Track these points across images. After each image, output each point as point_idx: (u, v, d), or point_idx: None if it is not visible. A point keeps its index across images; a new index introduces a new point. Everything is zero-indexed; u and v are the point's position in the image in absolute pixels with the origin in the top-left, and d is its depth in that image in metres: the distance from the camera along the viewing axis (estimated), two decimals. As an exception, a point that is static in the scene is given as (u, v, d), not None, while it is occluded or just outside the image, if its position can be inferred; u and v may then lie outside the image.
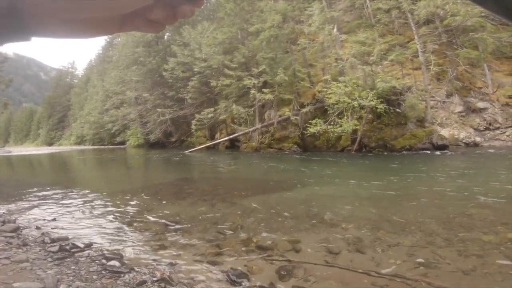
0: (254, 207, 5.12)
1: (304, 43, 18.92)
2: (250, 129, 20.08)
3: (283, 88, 18.53)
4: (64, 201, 6.01)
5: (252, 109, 20.13)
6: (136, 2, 0.30)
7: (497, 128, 15.27)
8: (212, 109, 22.54)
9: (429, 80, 16.71)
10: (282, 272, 2.67)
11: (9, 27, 0.28)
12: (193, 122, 23.44)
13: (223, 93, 22.57)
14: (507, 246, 3.12)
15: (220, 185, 8.24)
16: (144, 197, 6.28)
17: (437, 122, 15.68)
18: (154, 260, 3.02)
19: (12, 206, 5.61)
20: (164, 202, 5.84)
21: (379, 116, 14.50)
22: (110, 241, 3.66)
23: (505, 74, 16.69)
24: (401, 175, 8.15)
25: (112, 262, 2.81)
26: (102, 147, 43.16)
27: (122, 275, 2.62)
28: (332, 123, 14.97)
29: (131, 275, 2.63)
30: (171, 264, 2.90)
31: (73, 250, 3.21)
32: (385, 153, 13.72)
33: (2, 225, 4.10)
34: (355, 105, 13.86)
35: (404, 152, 13.49)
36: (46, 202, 5.95)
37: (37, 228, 4.17)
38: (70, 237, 3.66)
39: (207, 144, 23.24)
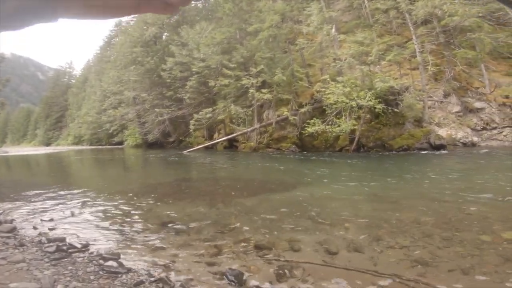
0: (252, 207, 5.12)
1: (302, 43, 18.96)
2: (249, 129, 20.06)
3: (281, 88, 18.54)
4: (61, 201, 5.98)
5: (251, 109, 20.12)
6: None
7: (494, 128, 15.36)
8: (210, 109, 22.52)
9: (427, 80, 16.77)
10: (281, 272, 2.67)
11: (39, 8, 0.30)
12: (191, 122, 23.38)
13: (221, 93, 22.53)
14: (504, 246, 3.13)
15: (218, 185, 8.23)
16: (142, 197, 6.25)
17: (435, 122, 15.74)
18: (152, 260, 3.01)
19: (9, 206, 5.57)
20: (161, 202, 5.81)
21: (377, 116, 14.53)
22: (107, 241, 3.65)
23: (502, 74, 16.79)
24: (398, 175, 8.18)
25: (110, 263, 2.80)
26: (100, 147, 43.02)
27: (119, 275, 2.61)
28: (330, 123, 14.99)
29: (128, 275, 2.61)
30: (169, 264, 2.88)
31: (70, 250, 3.19)
32: (383, 153, 13.74)
33: (-2, 226, 4.07)
34: (353, 105, 13.88)
35: (401, 152, 13.52)
36: (43, 202, 5.91)
37: (34, 228, 4.15)
38: (67, 237, 3.64)
39: (205, 144, 23.21)
